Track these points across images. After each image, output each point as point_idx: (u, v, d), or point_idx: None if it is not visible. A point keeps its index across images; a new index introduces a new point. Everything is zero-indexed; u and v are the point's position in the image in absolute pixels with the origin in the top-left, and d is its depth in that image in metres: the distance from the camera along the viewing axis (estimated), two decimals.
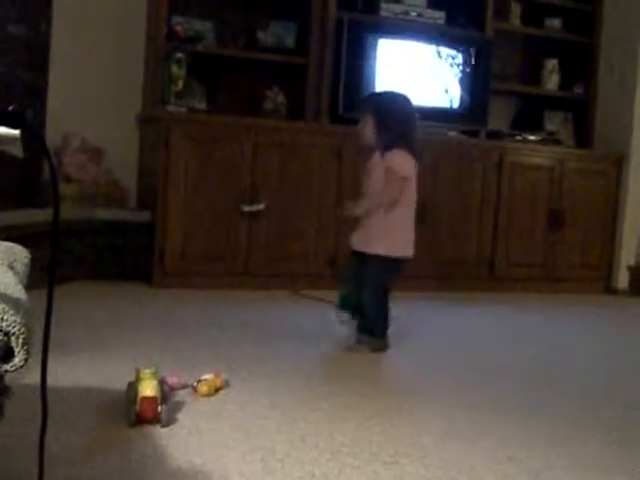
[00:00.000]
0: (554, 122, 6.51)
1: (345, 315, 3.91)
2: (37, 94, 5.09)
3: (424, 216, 5.44)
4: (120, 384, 2.68)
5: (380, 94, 4.22)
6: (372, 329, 3.81)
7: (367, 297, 3.80)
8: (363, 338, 3.81)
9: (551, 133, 6.35)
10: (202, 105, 5.47)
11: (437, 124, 5.78)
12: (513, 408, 3.01)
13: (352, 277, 3.89)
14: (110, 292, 4.78)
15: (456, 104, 5.87)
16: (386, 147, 3.77)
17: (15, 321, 1.38)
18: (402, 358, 3.75)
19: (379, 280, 3.81)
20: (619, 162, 6.19)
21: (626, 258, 6.19)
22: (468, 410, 2.93)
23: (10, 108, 1.39)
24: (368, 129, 3.82)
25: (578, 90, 6.49)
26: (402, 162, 3.76)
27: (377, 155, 3.81)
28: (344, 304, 4.55)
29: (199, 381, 2.85)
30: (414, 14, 5.78)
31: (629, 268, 6.19)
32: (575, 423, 2.87)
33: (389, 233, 3.79)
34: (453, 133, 5.91)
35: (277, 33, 5.63)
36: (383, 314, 3.85)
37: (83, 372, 3.01)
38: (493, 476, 2.27)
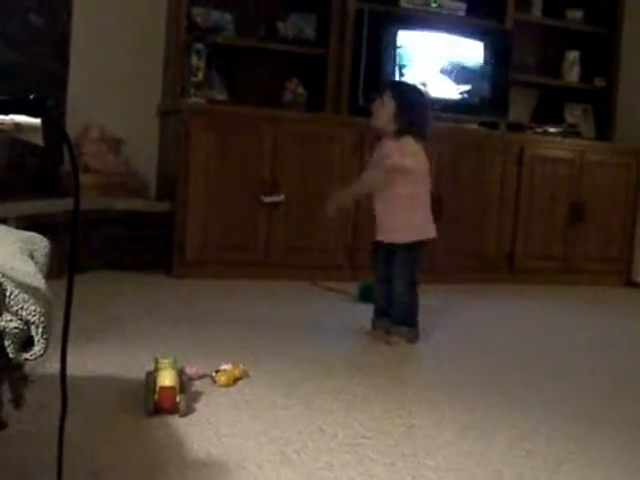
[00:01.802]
0: (574, 114, 6.48)
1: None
2: (58, 84, 5.11)
3: (442, 209, 5.48)
4: (139, 374, 2.68)
5: (403, 82, 4.24)
6: (406, 319, 3.82)
7: (397, 287, 3.80)
8: (399, 329, 3.80)
9: (571, 125, 6.32)
10: (222, 96, 5.48)
11: (457, 116, 5.78)
12: (532, 402, 3.00)
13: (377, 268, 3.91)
14: (129, 282, 4.79)
15: (476, 96, 5.85)
16: (399, 133, 3.77)
17: (35, 310, 1.38)
18: (422, 350, 3.74)
19: (414, 267, 3.81)
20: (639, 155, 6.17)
21: None
22: (487, 403, 2.92)
23: (31, 97, 1.39)
24: (387, 112, 3.81)
25: (599, 82, 6.45)
26: (400, 153, 3.76)
27: (387, 139, 3.81)
28: (364, 295, 4.57)
29: (217, 371, 2.85)
30: (434, 5, 5.76)
31: None
32: (595, 418, 2.86)
33: (409, 220, 3.81)
34: (473, 125, 5.89)
35: (297, 24, 5.63)
36: (414, 303, 3.84)
37: (102, 361, 3.02)
38: (511, 470, 2.26)
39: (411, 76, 5.52)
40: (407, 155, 3.77)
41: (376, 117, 3.85)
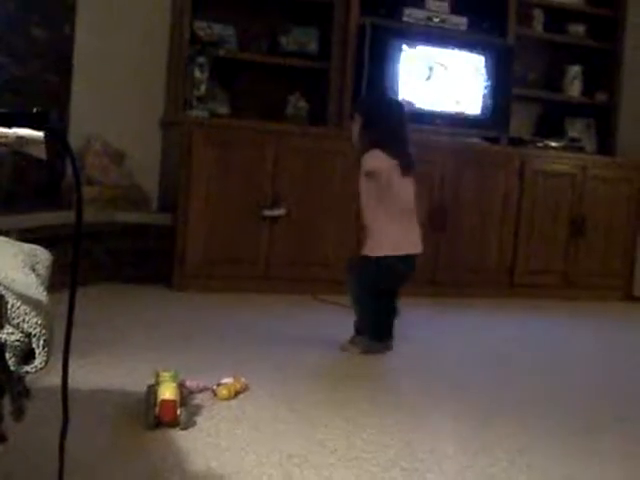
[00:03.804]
0: (576, 129, 6.49)
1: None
2: (60, 97, 5.12)
3: (446, 221, 5.49)
4: (140, 387, 2.68)
5: (371, 96, 4.21)
6: (362, 329, 3.85)
7: (352, 297, 3.88)
8: (356, 339, 3.84)
9: (573, 140, 6.32)
10: (224, 109, 5.49)
11: (458, 130, 5.78)
12: (534, 416, 3.00)
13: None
14: (131, 295, 4.80)
15: (478, 110, 5.86)
16: (366, 148, 3.78)
17: (36, 323, 1.38)
18: (422, 364, 3.74)
19: (365, 280, 3.81)
20: None
21: None
22: (488, 416, 2.91)
23: (34, 110, 1.40)
24: (355, 128, 3.85)
25: (601, 97, 6.46)
26: (374, 160, 3.76)
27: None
28: None
29: (219, 384, 2.85)
30: (436, 20, 5.77)
31: None
32: (597, 432, 2.85)
33: (373, 233, 3.84)
34: (474, 139, 5.90)
35: (299, 38, 5.64)
36: (375, 315, 3.84)
37: (103, 374, 3.02)
38: None
39: (412, 91, 5.53)
40: (374, 159, 3.77)
41: (352, 137, 3.91)
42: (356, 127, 3.86)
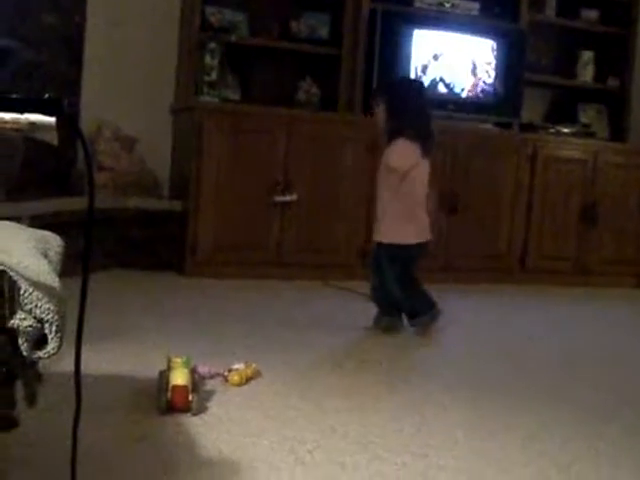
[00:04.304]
0: (588, 114, 6.46)
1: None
2: (71, 83, 5.12)
3: (457, 205, 5.49)
4: (152, 372, 2.69)
5: (394, 80, 4.21)
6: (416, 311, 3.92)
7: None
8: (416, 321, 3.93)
9: (585, 126, 6.30)
10: (235, 95, 5.48)
11: (470, 116, 5.77)
12: (543, 402, 3.00)
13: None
14: (142, 281, 4.81)
15: (490, 96, 5.84)
16: (392, 134, 3.79)
17: (49, 309, 1.39)
18: (435, 350, 3.74)
19: (387, 266, 3.87)
20: None
21: None
22: (499, 403, 2.91)
23: (46, 96, 1.40)
24: (380, 114, 3.85)
25: (613, 82, 6.43)
26: (400, 157, 3.78)
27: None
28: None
29: (230, 370, 2.85)
30: (448, 5, 5.75)
31: None
32: (607, 419, 2.85)
33: (389, 221, 3.88)
34: (486, 125, 5.88)
35: (310, 24, 5.62)
36: (393, 295, 3.90)
37: (115, 360, 3.03)
38: (522, 469, 2.26)
39: (423, 76, 5.52)
40: (400, 157, 3.79)
41: (375, 121, 3.92)
42: (380, 113, 3.86)
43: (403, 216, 3.86)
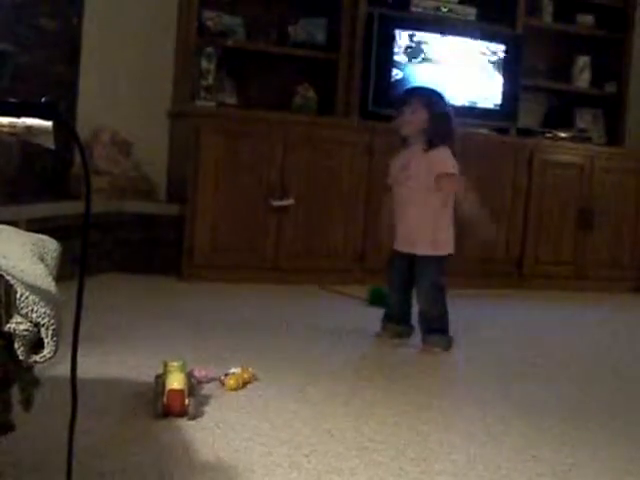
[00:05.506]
0: (585, 119, 6.47)
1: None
2: (68, 88, 5.12)
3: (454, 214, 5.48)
4: (148, 377, 2.69)
5: (432, 89, 4.15)
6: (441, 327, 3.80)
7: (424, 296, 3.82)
8: (434, 338, 3.78)
9: (582, 130, 6.31)
10: (232, 100, 5.49)
11: (467, 121, 5.76)
12: (541, 408, 2.99)
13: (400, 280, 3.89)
14: (139, 285, 4.80)
15: (486, 101, 5.84)
16: (433, 143, 3.75)
17: (45, 312, 1.38)
18: (430, 356, 3.74)
19: (441, 279, 3.81)
20: None
21: None
22: (496, 408, 2.91)
23: (43, 100, 1.40)
24: (417, 121, 3.78)
25: (609, 87, 6.44)
26: (454, 163, 3.76)
27: (416, 148, 3.79)
28: (374, 299, 4.57)
29: (227, 374, 2.85)
30: (445, 10, 5.76)
31: None
32: (604, 425, 2.85)
33: (447, 230, 3.84)
34: (483, 130, 5.89)
35: (307, 28, 5.63)
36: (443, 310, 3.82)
37: (111, 364, 3.03)
38: (520, 476, 2.26)
39: (421, 81, 5.52)
40: (450, 162, 3.77)
41: (406, 125, 3.82)
42: (418, 119, 3.77)
43: (453, 224, 3.83)
